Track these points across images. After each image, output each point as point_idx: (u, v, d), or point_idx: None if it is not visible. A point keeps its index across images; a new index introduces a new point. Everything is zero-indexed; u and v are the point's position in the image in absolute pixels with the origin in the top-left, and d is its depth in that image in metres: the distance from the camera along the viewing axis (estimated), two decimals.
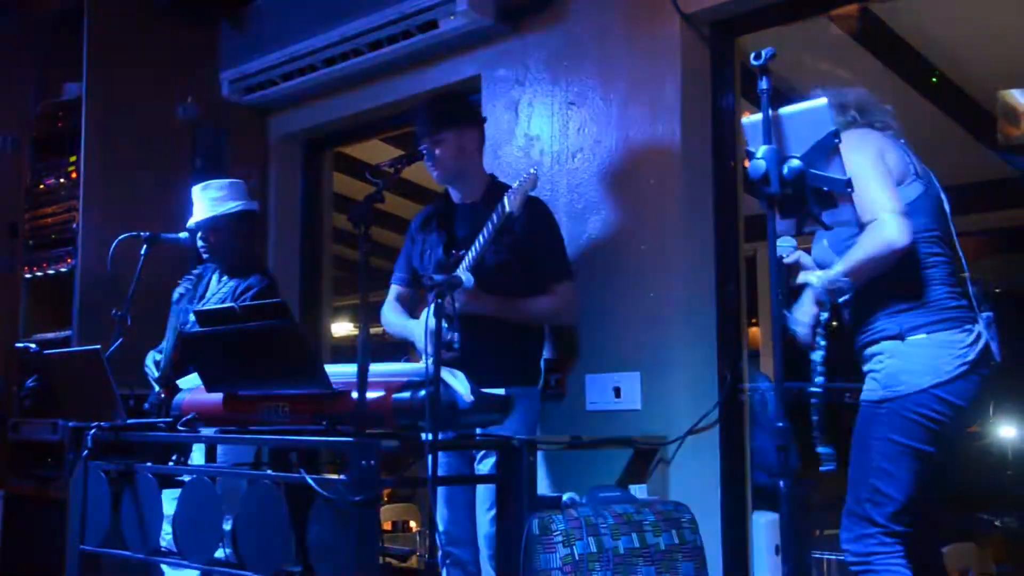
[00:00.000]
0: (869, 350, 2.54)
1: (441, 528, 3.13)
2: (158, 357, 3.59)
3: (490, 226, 2.95)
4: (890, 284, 2.46)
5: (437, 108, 3.32)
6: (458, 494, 3.17)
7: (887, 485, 2.43)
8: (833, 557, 4.44)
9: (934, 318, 2.45)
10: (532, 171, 3.00)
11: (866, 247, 2.43)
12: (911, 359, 2.44)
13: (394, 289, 3.42)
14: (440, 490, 3.15)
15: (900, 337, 2.46)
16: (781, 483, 2.01)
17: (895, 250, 2.39)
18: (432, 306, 2.47)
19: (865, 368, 2.57)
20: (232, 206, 3.68)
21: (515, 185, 2.96)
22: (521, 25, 3.92)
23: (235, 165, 4.79)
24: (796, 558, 2.07)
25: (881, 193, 2.42)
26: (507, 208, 2.92)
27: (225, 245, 3.70)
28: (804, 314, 2.57)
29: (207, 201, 3.69)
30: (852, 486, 2.50)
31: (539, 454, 2.94)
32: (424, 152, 3.13)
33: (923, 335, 2.43)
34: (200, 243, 3.70)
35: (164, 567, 3.24)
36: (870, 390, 2.52)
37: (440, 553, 3.14)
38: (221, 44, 4.76)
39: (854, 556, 2.47)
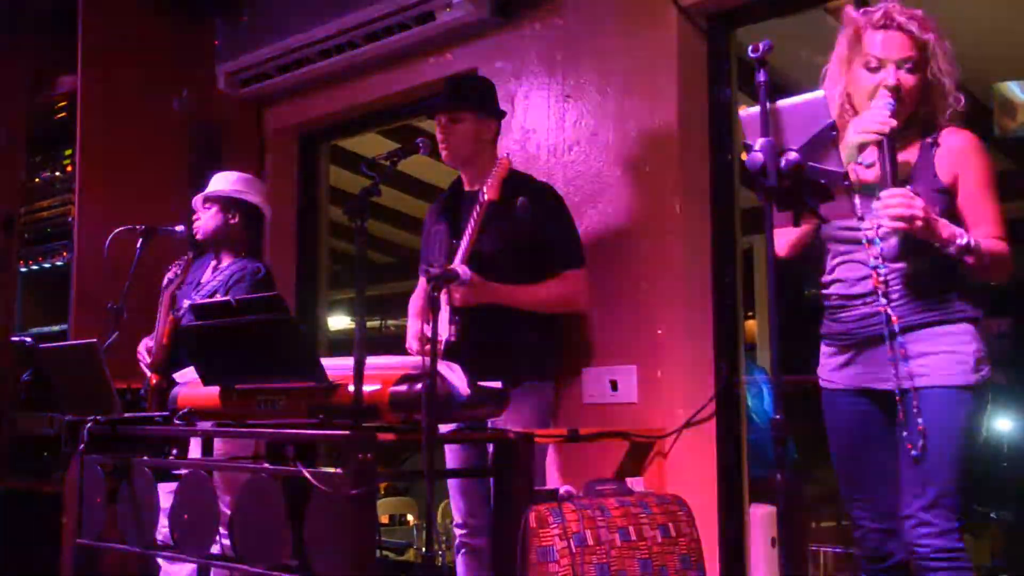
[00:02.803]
0: (940, 328, 2.37)
1: (459, 520, 3.14)
2: (151, 344, 3.57)
3: (474, 217, 2.94)
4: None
5: (464, 85, 3.29)
6: (474, 485, 3.14)
7: (967, 475, 2.30)
8: (830, 550, 4.45)
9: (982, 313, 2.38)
10: (504, 156, 2.98)
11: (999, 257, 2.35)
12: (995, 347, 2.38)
13: (421, 279, 3.40)
14: (455, 482, 3.17)
15: (978, 321, 2.37)
16: (778, 476, 2.00)
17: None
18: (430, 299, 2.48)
19: (926, 349, 2.37)
20: (249, 195, 3.70)
21: (491, 172, 2.97)
22: (517, 18, 3.91)
23: (231, 158, 4.79)
24: (793, 551, 2.07)
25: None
26: (484, 196, 2.91)
27: (224, 225, 3.67)
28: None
29: (227, 179, 3.70)
30: (936, 477, 2.29)
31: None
32: (434, 131, 3.05)
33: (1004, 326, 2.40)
34: (200, 217, 3.68)
35: (160, 560, 3.25)
36: (951, 374, 2.33)
37: (456, 542, 3.14)
38: (217, 36, 4.74)
39: (941, 552, 2.27)
